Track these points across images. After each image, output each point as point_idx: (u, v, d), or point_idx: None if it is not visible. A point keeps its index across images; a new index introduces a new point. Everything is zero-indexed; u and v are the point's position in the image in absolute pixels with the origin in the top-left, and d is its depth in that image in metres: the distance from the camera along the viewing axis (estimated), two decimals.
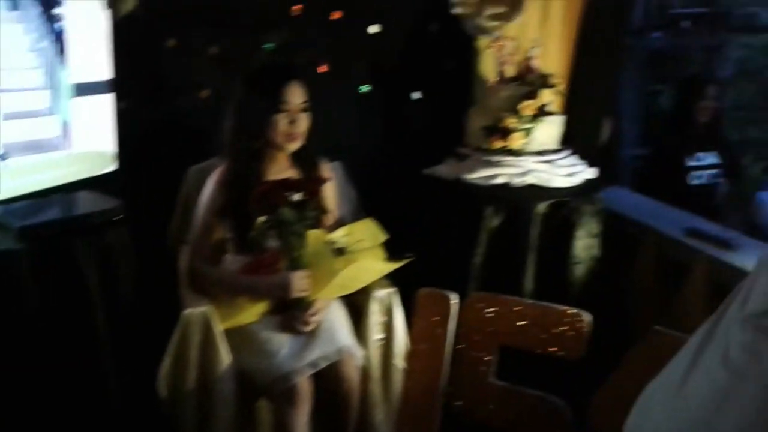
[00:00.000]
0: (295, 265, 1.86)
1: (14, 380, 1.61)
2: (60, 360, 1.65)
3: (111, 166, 2.13)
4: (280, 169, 2.04)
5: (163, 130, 2.41)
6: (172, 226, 2.31)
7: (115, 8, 2.14)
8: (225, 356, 1.82)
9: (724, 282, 1.97)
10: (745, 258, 1.99)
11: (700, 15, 5.05)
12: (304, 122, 1.98)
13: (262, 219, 1.80)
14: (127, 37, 2.21)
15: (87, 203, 1.88)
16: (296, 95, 1.97)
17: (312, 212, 1.83)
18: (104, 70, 2.09)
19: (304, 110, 1.99)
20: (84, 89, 2.03)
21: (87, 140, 2.07)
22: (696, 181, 3.31)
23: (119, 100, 2.16)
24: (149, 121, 2.39)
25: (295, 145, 1.99)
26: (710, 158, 3.33)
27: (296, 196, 1.79)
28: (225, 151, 2.03)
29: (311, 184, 1.83)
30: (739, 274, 1.92)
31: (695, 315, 2.01)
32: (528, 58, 2.43)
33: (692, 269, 2.05)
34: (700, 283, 2.01)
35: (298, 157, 2.04)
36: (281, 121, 1.95)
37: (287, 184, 1.80)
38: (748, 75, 5.96)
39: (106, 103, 2.11)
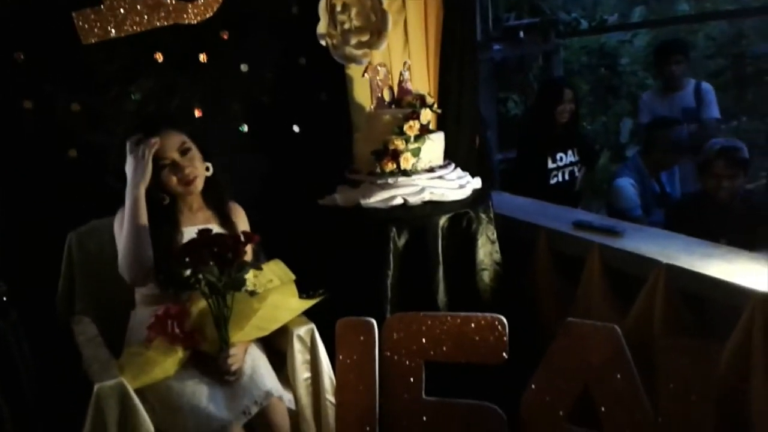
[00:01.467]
0: (221, 326, 1.80)
1: None
2: None
3: None
4: (193, 210, 2.02)
5: (33, 197, 2.22)
6: (60, 296, 2.15)
7: None
8: (148, 426, 1.70)
9: (617, 267, 2.13)
10: (632, 242, 2.16)
11: (533, 25, 5.44)
12: (193, 163, 1.96)
13: (186, 274, 1.74)
14: None
15: None
16: (170, 145, 1.94)
17: (238, 273, 1.77)
18: None
19: (186, 152, 1.96)
20: None
21: None
22: (555, 180, 3.57)
23: None
24: (15, 190, 2.20)
25: (197, 187, 1.97)
26: (570, 157, 3.61)
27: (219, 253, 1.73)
28: None
29: (237, 244, 1.77)
30: (630, 257, 2.08)
31: (597, 302, 2.15)
32: (401, 81, 2.50)
33: (586, 259, 2.18)
34: (596, 271, 2.15)
35: (207, 195, 2.03)
36: (169, 175, 1.93)
37: (211, 242, 1.74)
38: (572, 74, 6.52)
39: None
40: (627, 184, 3.59)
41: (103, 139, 2.29)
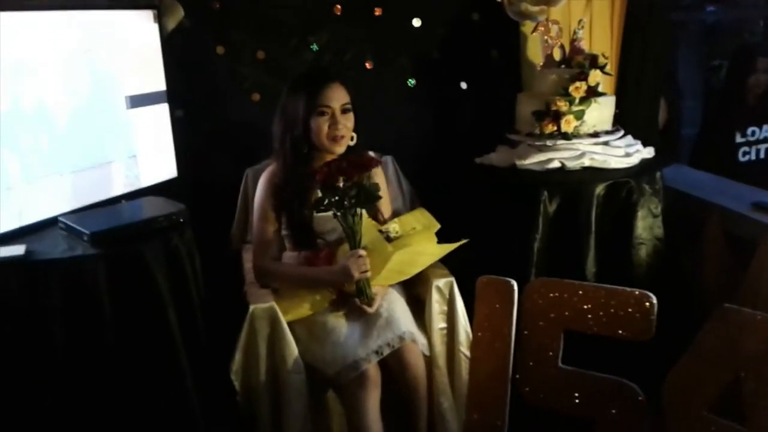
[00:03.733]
0: (354, 245, 1.89)
1: (95, 382, 1.68)
2: (137, 361, 1.71)
3: (173, 172, 2.22)
4: None
5: (219, 134, 2.48)
6: (235, 226, 2.39)
7: (164, 20, 2.20)
8: (293, 348, 1.88)
9: None
10: None
11: None
12: (347, 123, 2.00)
13: (319, 199, 1.84)
14: (177, 47, 2.28)
15: (152, 207, 1.95)
16: (336, 97, 1.99)
17: (368, 192, 1.84)
18: (159, 81, 2.15)
19: (346, 111, 2.00)
20: (141, 100, 2.10)
21: (148, 149, 2.14)
22: (746, 157, 3.24)
23: (175, 108, 2.23)
24: (205, 126, 2.46)
25: (340, 148, 2.00)
26: (765, 132, 3.25)
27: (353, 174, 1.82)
28: (275, 154, 2.08)
29: (367, 162, 1.85)
30: None
31: (766, 291, 1.95)
32: (574, 40, 2.40)
33: (761, 244, 1.99)
34: None
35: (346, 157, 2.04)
36: (323, 124, 1.98)
37: (348, 165, 1.82)
38: None
39: (164, 112, 2.18)
40: None
41: (283, 86, 2.48)
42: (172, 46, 2.21)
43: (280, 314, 1.88)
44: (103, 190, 2.00)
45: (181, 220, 1.87)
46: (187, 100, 2.39)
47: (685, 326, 1.91)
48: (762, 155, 3.25)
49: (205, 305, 1.88)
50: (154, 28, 2.13)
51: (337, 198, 1.81)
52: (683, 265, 2.28)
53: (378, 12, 2.52)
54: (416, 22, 2.56)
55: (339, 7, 2.49)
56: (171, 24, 2.30)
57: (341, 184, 1.80)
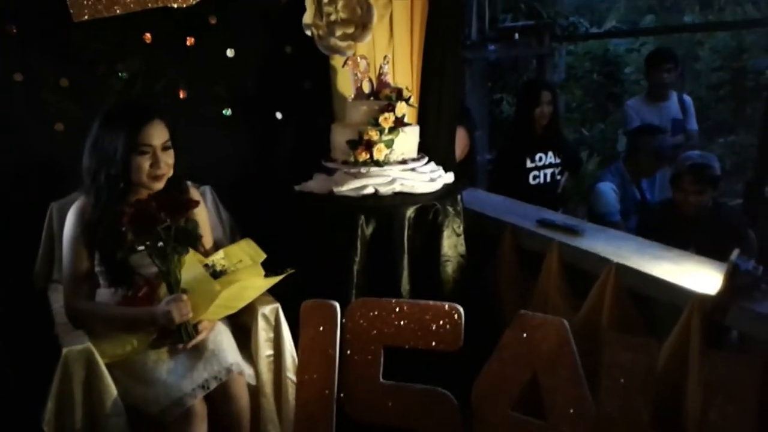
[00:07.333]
0: (173, 289, 1.84)
1: None
2: None
3: None
4: None
5: (19, 166, 2.30)
6: (38, 264, 2.23)
7: None
8: (112, 390, 1.79)
9: (574, 264, 2.22)
10: (589, 241, 2.25)
11: (529, 27, 5.51)
12: (168, 161, 1.94)
13: (133, 241, 1.77)
14: None
15: None
16: (158, 135, 1.92)
17: (186, 234, 1.81)
18: None
19: (167, 149, 1.94)
20: None
21: None
22: (536, 181, 3.65)
23: None
24: (2, 158, 2.27)
25: (160, 184, 1.95)
26: (549, 158, 3.68)
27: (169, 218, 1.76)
28: (85, 188, 1.97)
29: (184, 204, 1.83)
30: (585, 255, 2.17)
31: (553, 296, 2.23)
32: (381, 74, 2.57)
33: (546, 256, 2.27)
34: (554, 267, 2.23)
35: (164, 192, 1.98)
36: (144, 163, 1.90)
37: (160, 205, 1.77)
38: (575, 79, 6.59)
39: None
40: (608, 189, 3.64)
41: (89, 115, 2.37)
42: None
43: (97, 355, 1.78)
44: None
45: None
46: None
47: (489, 335, 2.12)
48: (548, 179, 3.67)
49: (11, 351, 1.75)
50: None
51: (150, 243, 1.75)
52: (484, 279, 2.52)
53: (190, 41, 2.51)
54: (230, 53, 2.58)
55: (149, 35, 2.45)
56: None
57: (156, 227, 1.72)
